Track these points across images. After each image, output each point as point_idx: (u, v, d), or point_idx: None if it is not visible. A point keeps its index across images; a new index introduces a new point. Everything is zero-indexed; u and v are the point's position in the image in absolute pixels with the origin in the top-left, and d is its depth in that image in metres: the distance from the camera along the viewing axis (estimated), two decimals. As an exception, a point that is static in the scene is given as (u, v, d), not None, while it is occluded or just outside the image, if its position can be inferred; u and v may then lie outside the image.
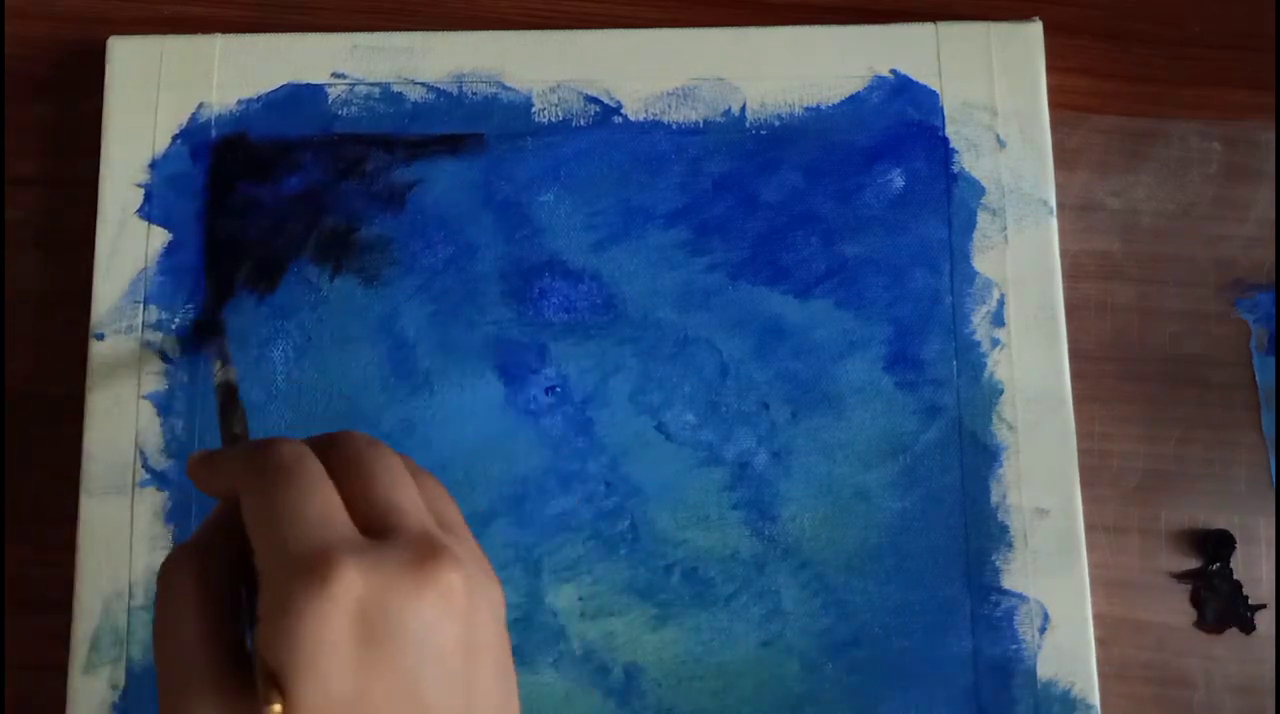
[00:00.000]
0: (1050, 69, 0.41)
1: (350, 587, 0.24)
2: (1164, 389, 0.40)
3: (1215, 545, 0.39)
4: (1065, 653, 0.37)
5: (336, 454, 0.28)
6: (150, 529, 0.38)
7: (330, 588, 0.24)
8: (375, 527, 0.26)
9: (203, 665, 0.25)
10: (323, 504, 0.26)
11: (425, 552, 0.25)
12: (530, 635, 0.38)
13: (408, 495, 0.27)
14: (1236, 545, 0.39)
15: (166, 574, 0.27)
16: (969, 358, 0.39)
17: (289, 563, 0.24)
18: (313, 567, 0.24)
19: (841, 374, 0.39)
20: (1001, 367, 0.39)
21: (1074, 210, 0.41)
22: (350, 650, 0.24)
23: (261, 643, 0.24)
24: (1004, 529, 0.38)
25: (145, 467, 0.38)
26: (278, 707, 0.23)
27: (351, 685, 0.24)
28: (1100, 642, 0.37)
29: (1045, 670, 0.37)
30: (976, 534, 0.38)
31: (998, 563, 0.38)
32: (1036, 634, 0.37)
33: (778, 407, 0.39)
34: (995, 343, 0.39)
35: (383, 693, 0.24)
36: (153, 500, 0.38)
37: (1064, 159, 0.41)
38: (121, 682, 0.37)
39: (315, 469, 0.27)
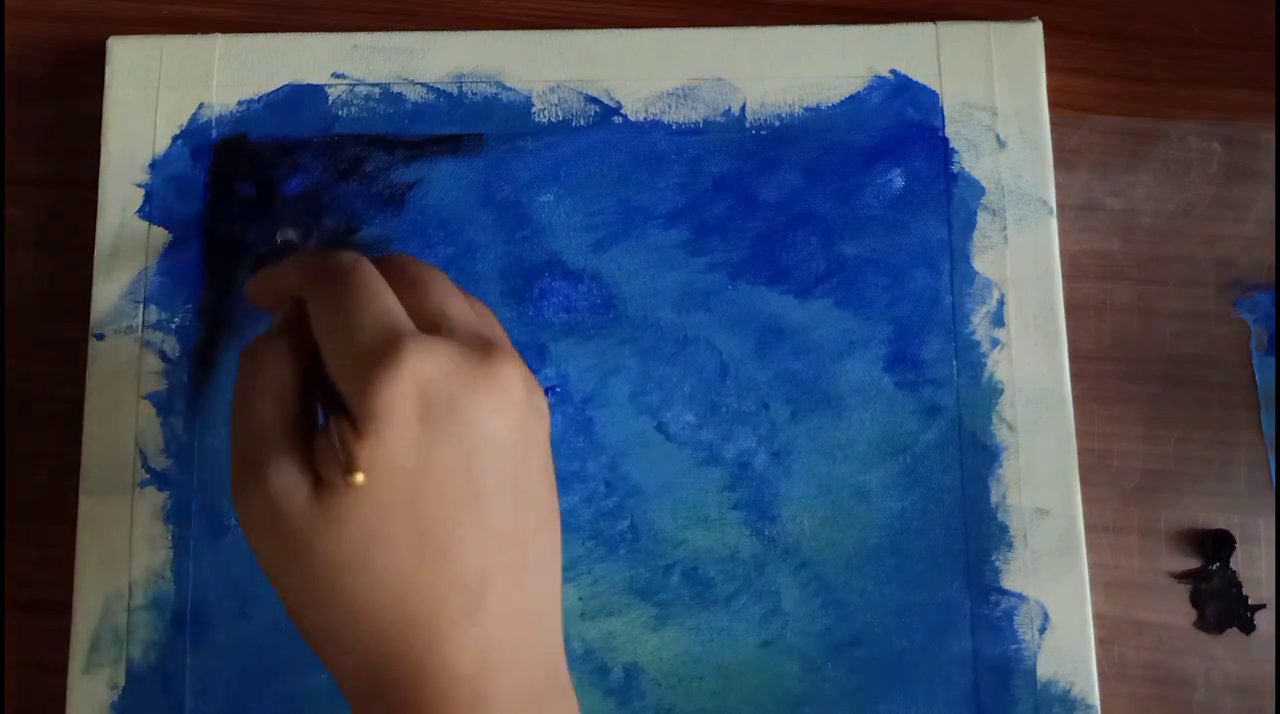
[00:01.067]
0: (1050, 69, 0.41)
1: (416, 368, 0.26)
2: (1164, 389, 0.40)
3: (1215, 545, 0.39)
4: (1065, 653, 0.37)
5: (391, 269, 0.29)
6: (150, 529, 0.38)
7: (398, 369, 0.26)
8: (431, 331, 0.28)
9: (286, 436, 0.28)
10: (384, 301, 0.28)
11: (485, 347, 0.28)
12: (530, 635, 0.38)
13: (461, 307, 0.29)
14: (1236, 545, 0.39)
15: (256, 353, 0.29)
16: (969, 358, 0.39)
17: (359, 350, 0.27)
18: (381, 350, 0.26)
19: (841, 374, 0.39)
20: (1001, 366, 0.39)
21: (1074, 210, 0.41)
22: (414, 428, 0.26)
23: (335, 422, 0.27)
24: (1004, 529, 0.38)
25: (145, 467, 0.38)
26: (360, 476, 0.25)
27: (415, 460, 0.26)
28: (1100, 642, 0.37)
29: (1045, 670, 0.37)
30: (976, 534, 0.38)
31: (997, 563, 0.38)
32: (1036, 634, 0.37)
33: (778, 406, 0.39)
34: (995, 343, 0.39)
35: (441, 468, 0.26)
36: (153, 500, 0.38)
37: (1064, 159, 0.41)
38: (121, 682, 0.37)
39: (374, 272, 0.29)
